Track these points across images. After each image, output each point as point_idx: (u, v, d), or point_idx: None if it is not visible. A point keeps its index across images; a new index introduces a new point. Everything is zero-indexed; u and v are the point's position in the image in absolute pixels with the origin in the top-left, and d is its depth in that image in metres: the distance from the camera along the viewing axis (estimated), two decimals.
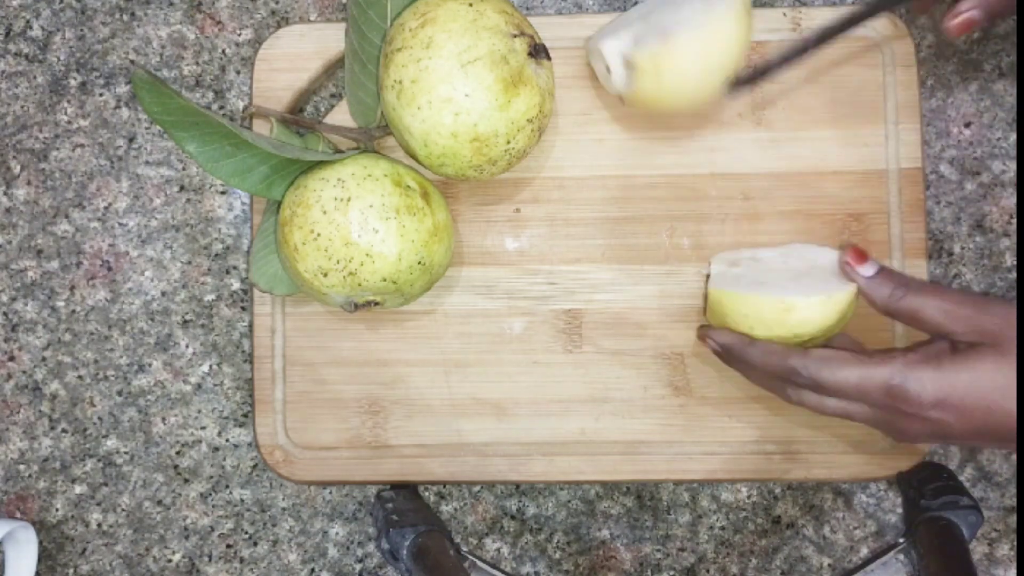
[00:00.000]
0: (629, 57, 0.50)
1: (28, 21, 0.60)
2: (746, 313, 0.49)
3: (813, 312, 0.48)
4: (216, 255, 0.59)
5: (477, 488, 0.59)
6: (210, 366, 0.59)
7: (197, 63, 0.59)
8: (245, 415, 0.59)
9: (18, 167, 0.59)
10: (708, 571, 0.58)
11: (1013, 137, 0.57)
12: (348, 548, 0.59)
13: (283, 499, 0.59)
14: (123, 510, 0.59)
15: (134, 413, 0.59)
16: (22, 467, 0.59)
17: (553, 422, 0.56)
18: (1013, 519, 0.57)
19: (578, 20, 0.56)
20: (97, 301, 0.59)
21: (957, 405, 0.44)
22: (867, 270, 0.48)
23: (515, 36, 0.49)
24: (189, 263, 0.59)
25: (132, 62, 0.59)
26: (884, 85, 0.55)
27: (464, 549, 0.56)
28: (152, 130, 0.59)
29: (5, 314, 0.59)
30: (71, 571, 0.59)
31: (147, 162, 0.59)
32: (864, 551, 0.58)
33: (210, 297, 0.59)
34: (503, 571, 0.54)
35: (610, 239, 0.56)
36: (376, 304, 0.51)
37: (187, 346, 0.59)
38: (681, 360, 0.56)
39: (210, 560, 0.59)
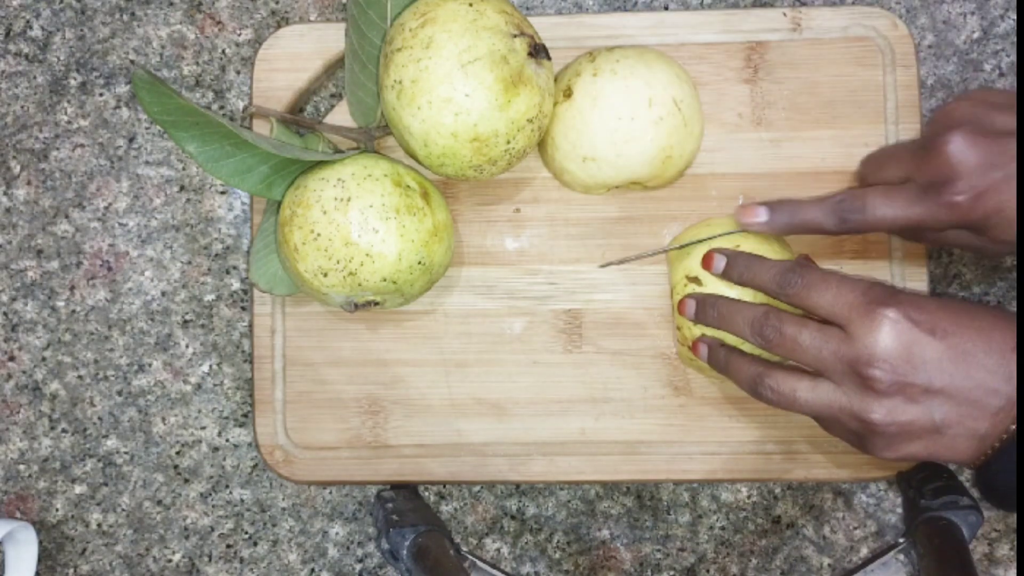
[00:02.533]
0: None
1: (28, 21, 0.60)
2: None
3: None
4: (216, 255, 0.59)
5: (477, 488, 0.59)
6: (210, 366, 0.59)
7: (197, 63, 0.59)
8: (245, 415, 0.59)
9: (18, 167, 0.59)
10: (708, 571, 0.58)
11: None
12: (348, 548, 0.59)
13: (283, 499, 0.59)
14: (123, 510, 0.59)
15: (134, 413, 0.59)
16: (22, 467, 0.59)
17: (553, 422, 0.56)
18: (1013, 519, 0.57)
19: (578, 20, 0.57)
20: (97, 301, 0.59)
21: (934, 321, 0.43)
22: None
23: (515, 36, 0.49)
24: (189, 263, 0.59)
25: (132, 62, 0.59)
26: (884, 85, 0.55)
27: (464, 549, 0.56)
28: (152, 130, 0.59)
29: (5, 314, 0.59)
30: (71, 571, 0.59)
31: (147, 162, 0.59)
32: (864, 551, 0.58)
33: (210, 297, 0.59)
34: (503, 571, 0.54)
35: (610, 239, 0.56)
36: (376, 304, 0.51)
37: (187, 346, 0.59)
38: (681, 360, 0.56)
39: (210, 560, 0.59)
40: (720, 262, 0.50)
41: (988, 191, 0.45)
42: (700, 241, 0.52)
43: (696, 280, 0.52)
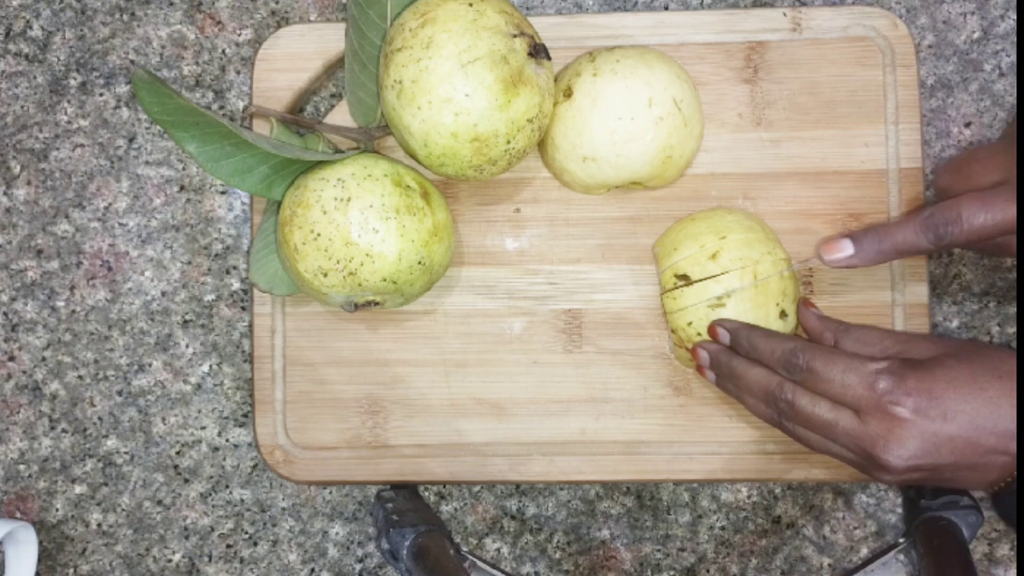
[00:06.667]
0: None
1: (28, 21, 0.60)
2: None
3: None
4: (216, 255, 0.59)
5: (477, 488, 0.59)
6: (210, 366, 0.59)
7: (197, 63, 0.59)
8: (245, 415, 0.59)
9: (18, 167, 0.59)
10: (708, 571, 0.58)
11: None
12: (348, 548, 0.59)
13: (283, 499, 0.59)
14: (123, 510, 0.59)
15: (134, 413, 0.59)
16: (22, 467, 0.59)
17: (553, 422, 0.56)
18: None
19: (578, 20, 0.56)
20: (97, 301, 0.59)
21: (939, 396, 0.44)
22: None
23: (515, 36, 0.49)
24: (189, 263, 0.59)
25: (132, 62, 0.59)
26: (884, 85, 0.55)
27: (464, 549, 0.56)
28: (152, 130, 0.59)
29: (5, 314, 0.59)
30: (71, 571, 0.59)
31: (147, 162, 0.59)
32: (864, 551, 0.58)
33: (210, 297, 0.59)
34: (503, 571, 0.54)
35: (610, 239, 0.56)
36: (376, 304, 0.51)
37: (187, 346, 0.59)
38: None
39: (210, 560, 0.59)
40: (724, 337, 0.51)
41: None
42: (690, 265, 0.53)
43: (685, 277, 0.52)
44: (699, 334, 0.52)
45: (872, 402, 0.44)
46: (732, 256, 0.51)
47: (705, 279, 0.51)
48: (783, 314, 0.52)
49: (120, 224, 0.59)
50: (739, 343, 0.50)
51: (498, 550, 0.59)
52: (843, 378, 0.45)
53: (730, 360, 0.50)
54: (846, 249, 0.48)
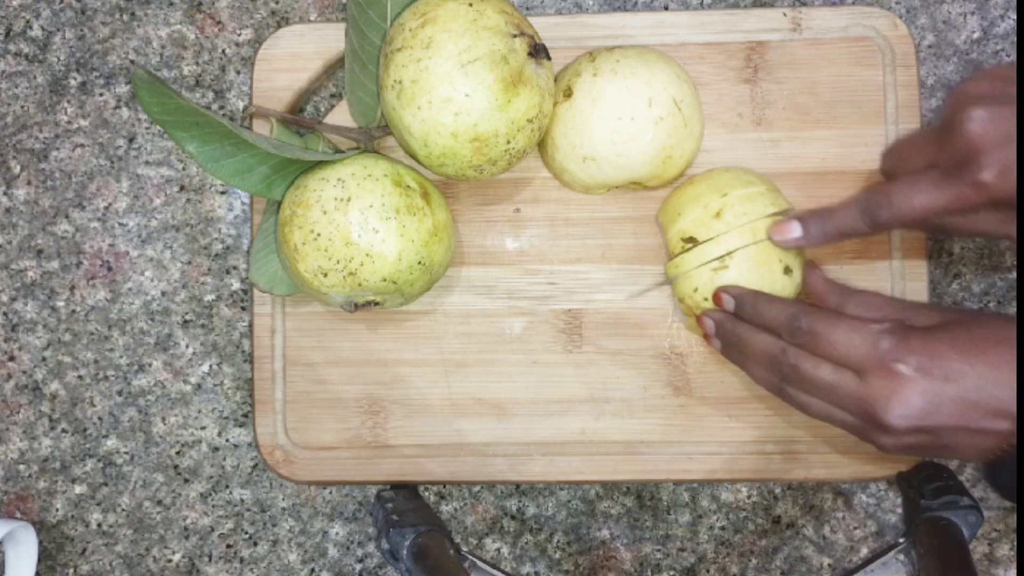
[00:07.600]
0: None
1: (28, 21, 0.60)
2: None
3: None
4: (216, 255, 0.59)
5: (477, 488, 0.59)
6: (210, 366, 0.59)
7: (197, 63, 0.59)
8: (245, 415, 0.59)
9: (18, 167, 0.59)
10: (708, 571, 0.58)
11: None
12: (348, 548, 0.59)
13: (283, 499, 0.59)
14: (123, 510, 0.59)
15: (134, 413, 0.59)
16: (22, 467, 0.59)
17: (553, 422, 0.56)
18: (1013, 519, 0.57)
19: (578, 20, 0.57)
20: (97, 301, 0.59)
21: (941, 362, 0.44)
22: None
23: (515, 36, 0.49)
24: (189, 263, 0.59)
25: (132, 62, 0.59)
26: (884, 85, 0.55)
27: (464, 549, 0.56)
28: (152, 130, 0.59)
29: (5, 314, 0.59)
30: (71, 571, 0.59)
31: (147, 162, 0.59)
32: (864, 551, 0.58)
33: (210, 297, 0.59)
34: (503, 571, 0.54)
35: (610, 239, 0.56)
36: (376, 304, 0.51)
37: (187, 346, 0.59)
38: (681, 360, 0.56)
39: (210, 560, 0.59)
40: (729, 303, 0.51)
41: (1015, 164, 0.43)
42: (695, 246, 0.52)
43: (692, 239, 0.52)
44: (706, 299, 0.52)
45: (875, 361, 0.44)
46: (736, 212, 0.51)
47: (708, 240, 0.51)
48: (787, 270, 0.51)
49: (120, 224, 0.59)
50: (744, 309, 0.50)
51: (498, 550, 0.59)
52: (846, 339, 0.45)
53: (735, 327, 0.50)
54: (794, 231, 0.50)
